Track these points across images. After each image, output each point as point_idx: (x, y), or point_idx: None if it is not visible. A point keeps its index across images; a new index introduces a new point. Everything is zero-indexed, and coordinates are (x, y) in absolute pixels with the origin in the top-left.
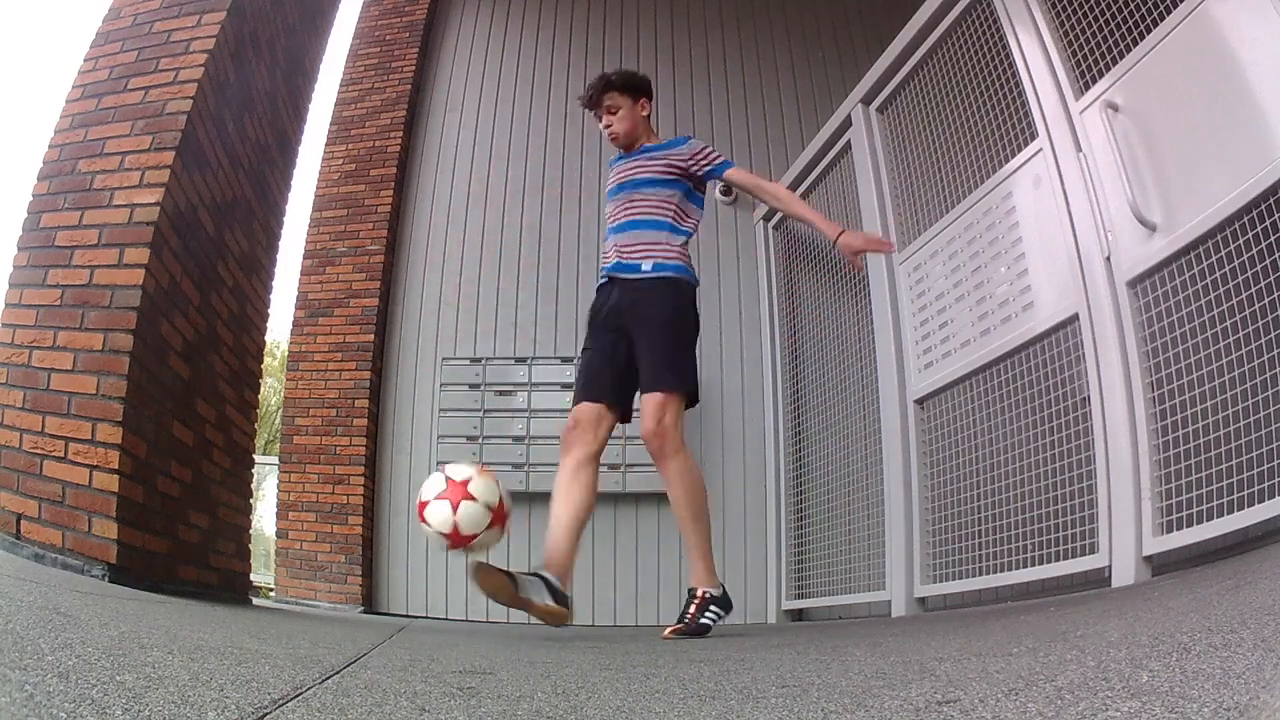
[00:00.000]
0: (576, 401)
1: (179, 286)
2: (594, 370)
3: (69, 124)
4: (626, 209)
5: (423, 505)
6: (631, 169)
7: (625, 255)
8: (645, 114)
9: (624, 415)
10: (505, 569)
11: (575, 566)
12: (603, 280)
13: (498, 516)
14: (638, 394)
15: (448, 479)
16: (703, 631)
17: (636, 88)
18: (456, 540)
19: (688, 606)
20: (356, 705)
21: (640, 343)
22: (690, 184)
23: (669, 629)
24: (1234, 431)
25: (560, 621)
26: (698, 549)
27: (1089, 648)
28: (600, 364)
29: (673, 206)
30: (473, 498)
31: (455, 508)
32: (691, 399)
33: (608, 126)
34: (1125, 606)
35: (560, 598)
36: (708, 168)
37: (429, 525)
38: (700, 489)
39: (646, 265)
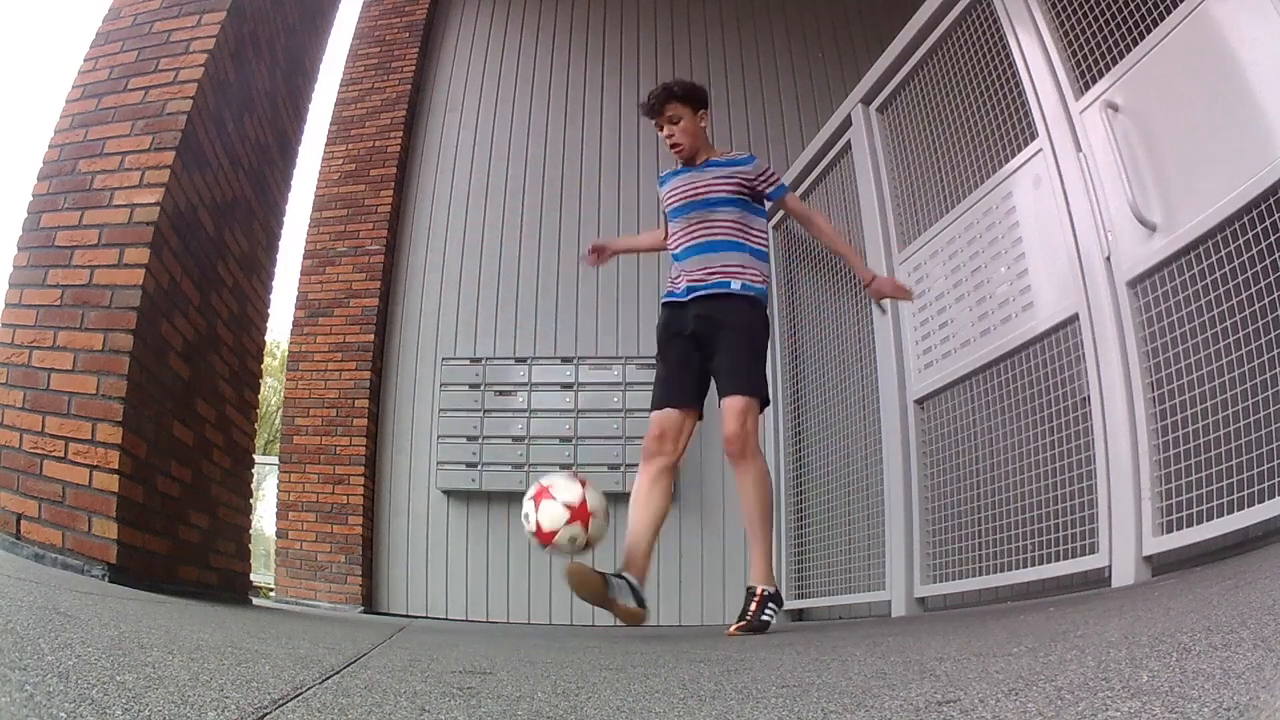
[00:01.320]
0: (658, 406)
1: (179, 286)
2: (676, 375)
3: (69, 124)
4: (700, 231)
5: (549, 535)
6: (700, 187)
7: (711, 275)
8: (704, 125)
9: (701, 414)
10: (599, 570)
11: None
12: (673, 299)
13: (577, 514)
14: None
15: (539, 485)
16: (763, 629)
17: (697, 98)
18: (541, 537)
19: (748, 604)
20: (356, 705)
21: (721, 353)
22: (751, 199)
23: (733, 626)
24: (1234, 431)
25: (638, 622)
26: (762, 548)
27: (1089, 648)
28: (681, 370)
29: (742, 226)
30: (552, 497)
31: (537, 506)
32: (765, 403)
33: (669, 137)
34: (1125, 606)
35: (640, 599)
36: (771, 188)
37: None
38: (770, 492)
39: (735, 285)
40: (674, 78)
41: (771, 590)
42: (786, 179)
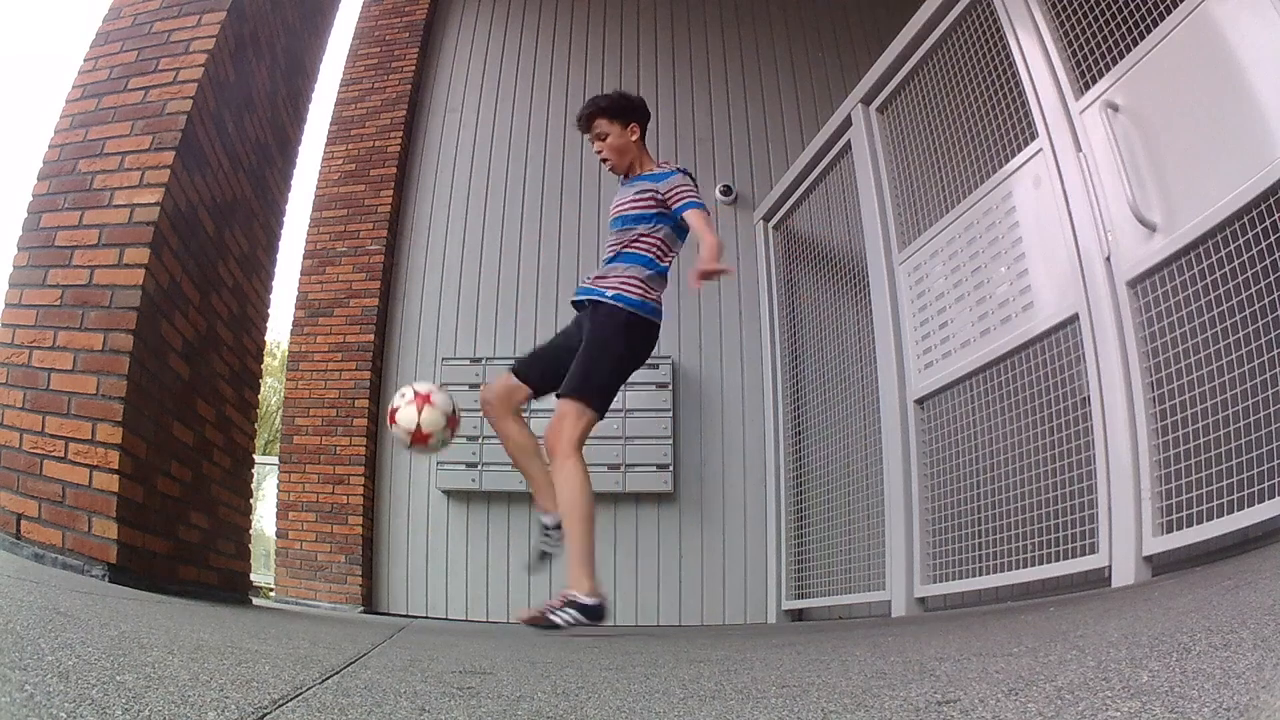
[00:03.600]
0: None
1: (179, 286)
2: (535, 352)
3: (69, 124)
4: (617, 245)
5: (393, 410)
6: (624, 203)
7: (594, 283)
8: (635, 138)
9: (535, 394)
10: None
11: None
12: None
13: (451, 422)
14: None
15: (415, 392)
16: (548, 626)
17: (625, 111)
18: (418, 438)
19: (551, 601)
20: (356, 705)
21: (578, 353)
22: (668, 214)
23: (524, 612)
24: (1234, 431)
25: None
26: (572, 550)
27: (1089, 648)
28: (541, 350)
29: (657, 242)
30: (434, 405)
31: (420, 411)
32: (595, 409)
33: (599, 152)
34: (1125, 606)
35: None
36: (676, 204)
37: (398, 425)
38: (579, 497)
39: (609, 294)
40: (612, 91)
41: (581, 597)
42: (786, 179)
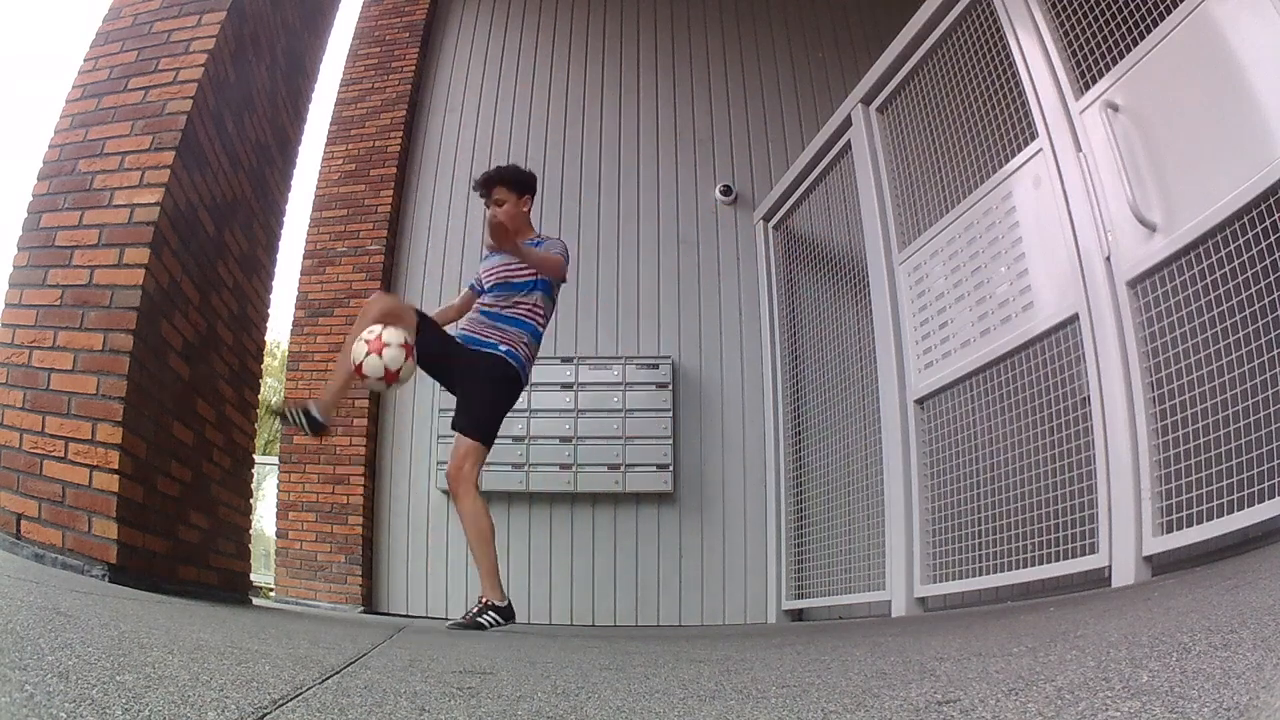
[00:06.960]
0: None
1: (179, 286)
2: (436, 323)
3: (69, 124)
4: (504, 307)
5: (358, 366)
6: (502, 270)
7: (484, 334)
8: (527, 210)
9: (413, 348)
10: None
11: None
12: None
13: (409, 351)
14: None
15: (366, 342)
16: (477, 628)
17: (522, 184)
18: (390, 378)
19: (472, 607)
20: (356, 705)
21: (467, 387)
22: (545, 282)
23: (450, 622)
24: (1234, 431)
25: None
26: (482, 569)
27: (1089, 648)
28: (444, 334)
29: (540, 311)
30: (388, 345)
31: (380, 355)
32: (487, 448)
33: (493, 217)
34: (1125, 606)
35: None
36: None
37: (369, 377)
38: (480, 524)
39: (502, 348)
40: (508, 163)
41: (498, 603)
42: (786, 179)
